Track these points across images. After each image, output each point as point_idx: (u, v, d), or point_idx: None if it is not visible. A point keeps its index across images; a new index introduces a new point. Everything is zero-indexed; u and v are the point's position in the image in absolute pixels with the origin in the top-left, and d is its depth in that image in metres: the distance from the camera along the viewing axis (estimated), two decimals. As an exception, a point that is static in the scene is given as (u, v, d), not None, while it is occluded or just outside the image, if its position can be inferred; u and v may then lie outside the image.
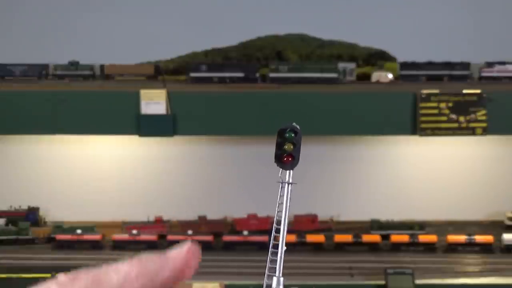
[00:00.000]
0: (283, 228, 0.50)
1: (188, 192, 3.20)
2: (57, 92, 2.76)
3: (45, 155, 3.20)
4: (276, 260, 0.49)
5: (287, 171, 0.50)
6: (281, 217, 0.50)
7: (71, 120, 2.75)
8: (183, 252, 0.49)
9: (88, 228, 2.92)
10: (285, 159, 0.50)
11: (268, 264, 0.49)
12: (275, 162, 0.49)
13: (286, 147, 0.49)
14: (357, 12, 3.18)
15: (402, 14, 3.18)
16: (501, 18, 3.18)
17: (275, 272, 0.49)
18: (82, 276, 0.46)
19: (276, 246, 0.49)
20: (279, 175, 0.50)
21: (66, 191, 3.19)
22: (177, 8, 3.21)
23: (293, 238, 2.86)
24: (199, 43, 3.17)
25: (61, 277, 0.45)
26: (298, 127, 0.49)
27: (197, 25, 3.18)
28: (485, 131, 2.71)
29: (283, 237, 0.50)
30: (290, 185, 0.50)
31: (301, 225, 2.98)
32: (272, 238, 0.49)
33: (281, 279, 0.49)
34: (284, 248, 0.50)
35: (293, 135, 0.49)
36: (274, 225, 0.50)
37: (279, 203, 0.50)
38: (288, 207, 0.50)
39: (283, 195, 0.49)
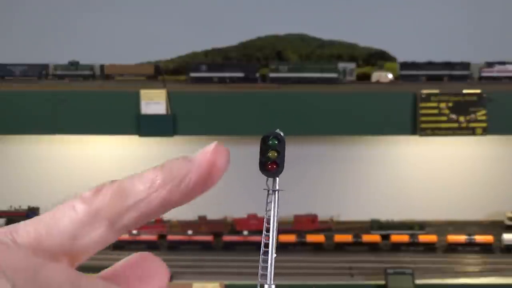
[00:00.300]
0: (272, 235, 0.50)
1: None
2: (57, 92, 2.76)
3: (45, 155, 3.20)
4: (267, 267, 0.49)
5: (273, 179, 0.49)
6: (269, 224, 0.49)
7: (71, 120, 2.75)
8: (209, 153, 0.48)
9: (88, 228, 2.92)
10: (269, 166, 0.49)
11: (260, 271, 0.49)
12: (259, 169, 0.49)
13: (270, 154, 0.48)
14: (357, 12, 3.18)
15: (402, 14, 3.18)
16: (501, 18, 3.17)
17: (266, 279, 0.49)
18: (106, 188, 0.45)
19: (266, 253, 0.49)
20: (266, 182, 0.50)
21: (66, 191, 3.17)
22: (177, 8, 3.21)
23: (293, 238, 2.86)
24: (199, 43, 3.17)
25: (85, 193, 0.45)
26: (282, 134, 0.48)
27: (197, 25, 3.18)
28: (485, 131, 2.71)
29: (273, 244, 0.49)
30: (277, 192, 0.49)
31: (301, 225, 2.98)
32: (262, 245, 0.49)
33: (273, 286, 0.48)
34: (275, 255, 0.49)
35: (276, 142, 0.48)
36: (264, 232, 0.50)
37: (267, 211, 0.49)
38: (276, 215, 0.49)
39: (271, 202, 0.49)
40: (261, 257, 0.48)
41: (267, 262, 0.49)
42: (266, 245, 0.49)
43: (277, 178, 0.49)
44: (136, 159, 3.22)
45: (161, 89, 2.74)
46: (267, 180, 0.49)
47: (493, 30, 3.15)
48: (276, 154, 0.48)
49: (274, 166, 0.49)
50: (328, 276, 2.66)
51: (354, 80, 3.03)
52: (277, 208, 0.49)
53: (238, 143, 3.14)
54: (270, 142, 0.48)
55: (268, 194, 0.49)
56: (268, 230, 0.48)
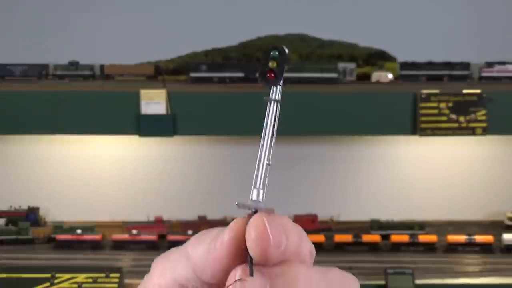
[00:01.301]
0: (266, 143, 0.52)
1: (188, 192, 3.20)
2: (57, 92, 2.76)
3: (45, 155, 3.20)
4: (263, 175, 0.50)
5: (272, 88, 0.51)
6: (266, 134, 0.52)
7: (71, 120, 2.75)
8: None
9: (88, 228, 2.92)
10: (268, 75, 0.50)
11: (254, 179, 0.51)
12: (258, 78, 0.50)
13: (270, 64, 0.50)
14: (357, 12, 3.18)
15: (402, 14, 3.18)
16: (501, 18, 3.17)
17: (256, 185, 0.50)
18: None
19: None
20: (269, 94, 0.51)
21: (66, 191, 3.19)
22: (177, 8, 3.21)
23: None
24: (199, 43, 3.17)
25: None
26: (286, 49, 0.50)
27: (197, 25, 3.18)
28: (485, 131, 2.71)
29: (265, 152, 0.52)
30: (275, 103, 0.51)
31: (301, 225, 2.95)
32: (259, 155, 0.52)
33: (261, 191, 0.50)
34: (269, 162, 0.51)
35: (277, 53, 0.50)
36: (261, 142, 0.51)
37: (266, 122, 0.52)
38: (271, 124, 0.52)
39: (268, 113, 0.51)
40: (256, 169, 0.51)
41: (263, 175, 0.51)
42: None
43: (277, 89, 0.50)
44: (136, 159, 3.22)
45: (161, 89, 2.74)
46: (268, 91, 0.51)
47: (493, 30, 3.15)
48: (275, 64, 0.50)
49: (273, 75, 0.50)
50: (328, 276, 2.66)
51: (354, 80, 3.02)
52: (276, 120, 0.51)
53: (238, 143, 3.15)
54: (272, 53, 0.50)
55: (268, 105, 0.51)
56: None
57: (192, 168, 3.23)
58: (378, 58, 3.17)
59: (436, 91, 2.73)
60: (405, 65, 2.99)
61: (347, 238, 2.90)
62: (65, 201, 3.16)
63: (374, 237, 2.92)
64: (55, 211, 3.15)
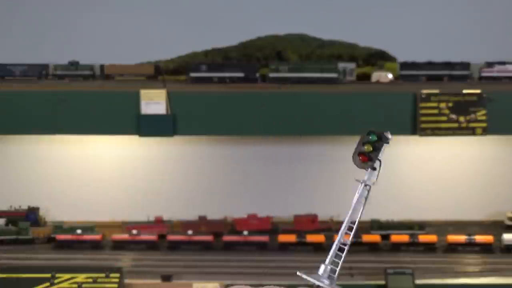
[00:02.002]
0: (347, 222, 0.54)
1: (188, 192, 3.20)
2: (57, 92, 2.76)
3: (45, 155, 3.20)
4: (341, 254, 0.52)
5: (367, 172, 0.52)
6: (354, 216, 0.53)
7: (71, 120, 2.75)
8: None
9: (88, 228, 2.92)
10: (360, 157, 0.52)
11: (331, 254, 0.53)
12: (352, 157, 0.52)
13: (365, 147, 0.51)
14: (357, 12, 3.18)
15: (402, 14, 3.18)
16: (501, 18, 3.17)
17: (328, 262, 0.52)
18: None
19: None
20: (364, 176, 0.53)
21: (66, 191, 3.19)
22: (177, 8, 3.21)
23: (293, 238, 2.86)
24: (199, 43, 3.17)
25: None
26: (388, 136, 0.51)
27: (197, 25, 3.18)
28: (485, 131, 2.71)
29: (343, 231, 0.54)
30: (366, 186, 0.53)
31: (301, 225, 2.98)
32: (341, 233, 0.54)
33: (328, 267, 0.53)
34: (344, 242, 0.54)
35: (375, 138, 0.51)
36: (346, 223, 0.53)
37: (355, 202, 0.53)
38: (356, 206, 0.53)
39: (358, 194, 0.52)
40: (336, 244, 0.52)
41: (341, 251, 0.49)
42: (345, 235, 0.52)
43: (369, 172, 0.52)
44: (136, 159, 3.22)
45: (161, 89, 2.74)
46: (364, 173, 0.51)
47: (493, 30, 3.15)
48: (371, 148, 0.51)
49: (366, 159, 0.51)
50: (328, 276, 2.66)
51: (354, 80, 3.02)
52: (363, 202, 0.52)
53: (238, 143, 3.15)
54: (371, 137, 0.51)
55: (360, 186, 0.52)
56: (353, 222, 0.51)
57: (192, 168, 3.23)
58: (378, 58, 3.17)
59: (436, 91, 2.73)
60: (405, 65, 2.99)
61: (347, 238, 2.90)
62: (65, 201, 3.16)
63: (374, 237, 2.92)
64: (55, 211, 3.15)
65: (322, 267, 0.48)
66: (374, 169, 0.49)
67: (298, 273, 0.48)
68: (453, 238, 2.90)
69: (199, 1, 3.22)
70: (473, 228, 3.08)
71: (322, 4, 3.18)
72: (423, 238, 2.91)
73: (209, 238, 2.92)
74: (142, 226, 2.98)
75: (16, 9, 3.22)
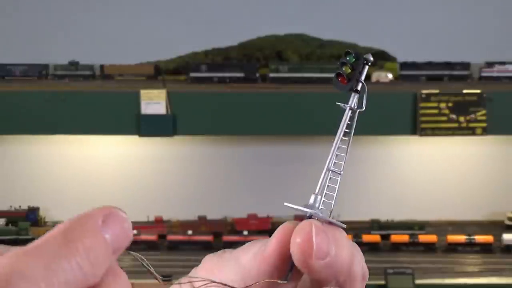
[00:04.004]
0: (334, 149, 0.51)
1: (188, 192, 3.20)
2: (57, 92, 2.76)
3: (45, 155, 3.20)
4: (336, 180, 0.50)
5: (352, 95, 0.50)
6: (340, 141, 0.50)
7: (71, 120, 2.75)
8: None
9: (88, 228, 2.91)
10: (339, 79, 0.50)
11: (322, 183, 0.50)
12: (332, 81, 0.50)
13: (344, 68, 0.49)
14: (357, 12, 3.18)
15: (402, 14, 3.18)
16: (501, 18, 3.17)
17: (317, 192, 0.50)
18: None
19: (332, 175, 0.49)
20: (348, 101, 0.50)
21: (66, 191, 3.19)
22: (177, 8, 3.21)
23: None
24: (199, 43, 3.17)
25: None
26: (370, 58, 0.49)
27: (197, 25, 3.18)
28: (485, 131, 2.71)
29: (332, 158, 0.52)
30: (349, 109, 0.51)
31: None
32: (331, 159, 0.51)
33: (319, 197, 0.50)
34: (335, 170, 0.51)
35: (353, 59, 0.49)
36: (333, 150, 0.51)
37: (342, 129, 0.51)
38: (345, 132, 0.51)
39: (344, 120, 0.50)
40: (326, 172, 0.50)
41: (335, 176, 0.49)
42: (335, 165, 0.50)
43: (352, 96, 0.50)
44: (136, 159, 3.22)
45: (161, 89, 2.74)
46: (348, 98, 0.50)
47: (493, 30, 3.15)
48: (349, 70, 0.49)
49: (345, 81, 0.49)
50: (328, 276, 2.66)
51: (354, 80, 3.01)
52: (349, 127, 0.50)
53: (238, 143, 3.15)
54: (348, 58, 0.49)
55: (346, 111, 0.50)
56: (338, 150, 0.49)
57: (192, 168, 3.23)
58: (378, 58, 3.17)
59: (436, 91, 2.73)
60: (405, 65, 2.99)
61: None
62: (65, 201, 3.16)
63: (374, 237, 2.92)
64: (55, 211, 3.15)
65: (312, 197, 0.46)
66: (357, 91, 0.47)
67: (285, 203, 0.46)
68: (453, 238, 2.90)
69: (199, 1, 3.22)
70: (473, 228, 3.08)
71: (322, 4, 3.18)
72: (423, 238, 2.92)
73: (209, 238, 2.92)
74: (142, 226, 2.98)
75: (16, 9, 3.22)
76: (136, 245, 2.91)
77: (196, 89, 2.83)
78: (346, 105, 0.50)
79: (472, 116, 2.72)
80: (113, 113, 2.74)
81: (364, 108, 0.50)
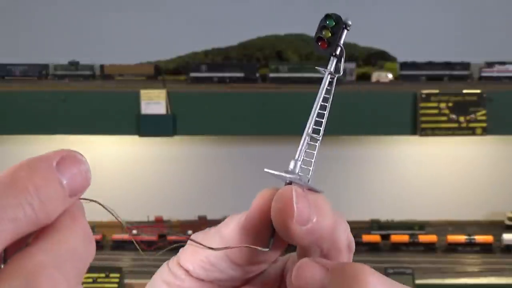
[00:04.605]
0: (313, 113, 0.51)
1: (188, 192, 3.20)
2: (57, 92, 2.76)
3: (45, 155, 3.19)
4: (314, 146, 0.49)
5: (332, 60, 0.50)
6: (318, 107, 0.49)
7: (71, 120, 2.75)
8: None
9: (88, 228, 2.91)
10: (319, 43, 0.50)
11: (302, 149, 0.49)
12: (314, 45, 0.50)
13: (324, 32, 0.49)
14: (357, 12, 3.17)
15: (402, 14, 3.18)
16: (501, 18, 3.17)
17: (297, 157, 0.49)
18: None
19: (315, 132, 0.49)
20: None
21: (66, 191, 3.18)
22: (177, 8, 3.21)
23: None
24: (199, 43, 3.17)
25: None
26: (348, 22, 0.49)
27: (197, 25, 3.18)
28: (485, 131, 2.71)
29: (311, 123, 0.51)
30: (328, 74, 0.50)
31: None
32: (310, 124, 0.50)
33: (299, 163, 0.49)
34: (314, 136, 0.50)
35: (333, 23, 0.49)
36: (312, 116, 0.51)
37: (321, 93, 0.50)
38: (324, 98, 0.50)
39: (323, 85, 0.50)
40: (305, 136, 0.49)
41: (313, 143, 0.48)
42: (314, 131, 0.50)
43: (331, 60, 0.49)
44: (136, 159, 3.22)
45: (161, 89, 2.74)
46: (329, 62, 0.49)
47: (493, 30, 3.15)
48: (329, 34, 0.49)
49: (325, 45, 0.49)
50: (328, 276, 2.66)
51: (354, 80, 3.02)
52: (328, 93, 0.49)
53: (238, 143, 3.15)
54: (328, 22, 0.49)
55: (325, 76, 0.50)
56: (318, 115, 0.49)
57: (192, 168, 3.23)
58: (378, 58, 3.17)
59: (436, 91, 2.73)
60: (405, 65, 2.99)
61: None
62: (65, 201, 3.16)
63: (374, 237, 2.92)
64: (55, 211, 3.15)
65: (292, 162, 0.45)
66: (336, 56, 0.47)
67: (265, 169, 0.46)
68: (453, 238, 2.90)
69: (199, 1, 3.22)
70: (473, 228, 3.09)
71: (322, 4, 3.18)
72: (423, 238, 2.92)
73: (209, 238, 2.92)
74: (142, 226, 2.98)
75: (16, 9, 3.22)
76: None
77: (196, 89, 2.83)
78: (325, 69, 0.50)
79: (472, 116, 2.72)
80: (113, 113, 2.74)
81: (342, 73, 0.50)
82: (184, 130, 2.76)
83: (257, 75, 2.92)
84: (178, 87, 2.87)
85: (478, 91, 2.74)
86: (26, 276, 0.34)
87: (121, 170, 3.22)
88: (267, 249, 0.46)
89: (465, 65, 2.97)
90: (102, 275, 2.57)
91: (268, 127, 2.73)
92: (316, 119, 0.49)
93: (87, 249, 0.38)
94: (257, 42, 3.21)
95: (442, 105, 2.72)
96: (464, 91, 2.75)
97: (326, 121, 0.49)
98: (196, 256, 0.49)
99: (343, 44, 0.50)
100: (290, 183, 0.48)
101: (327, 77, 0.49)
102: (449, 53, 3.01)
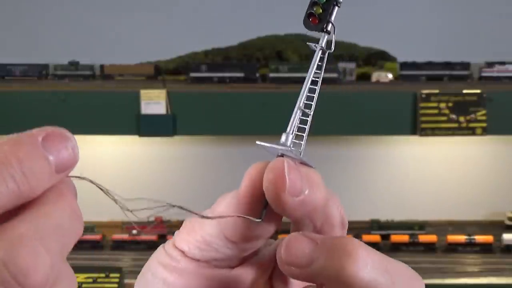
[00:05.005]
0: (305, 87, 0.50)
1: (188, 192, 3.20)
2: (57, 92, 2.76)
3: (45, 155, 3.19)
4: (306, 121, 0.50)
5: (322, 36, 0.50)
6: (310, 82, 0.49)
7: (71, 120, 2.75)
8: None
9: (88, 228, 2.92)
10: (310, 19, 0.50)
11: (293, 123, 0.50)
12: (303, 22, 0.50)
13: (315, 8, 0.50)
14: (357, 12, 3.17)
15: (402, 14, 3.18)
16: (501, 18, 3.17)
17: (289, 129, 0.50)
18: None
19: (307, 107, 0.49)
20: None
21: (66, 191, 3.18)
22: (177, 8, 3.21)
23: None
24: (199, 43, 3.17)
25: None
26: None
27: (197, 25, 3.18)
28: (485, 131, 2.71)
29: (302, 96, 0.50)
30: (319, 49, 0.50)
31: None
32: (301, 98, 0.50)
33: (290, 136, 0.50)
34: (305, 109, 0.50)
35: (324, 0, 0.49)
36: (304, 90, 0.50)
37: (312, 70, 0.50)
38: (315, 72, 0.50)
39: (315, 59, 0.50)
40: (297, 109, 0.49)
41: (306, 117, 0.49)
42: (306, 106, 0.49)
43: (323, 36, 0.50)
44: (136, 159, 3.22)
45: (161, 89, 2.74)
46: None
47: (493, 30, 3.15)
48: (320, 10, 0.49)
49: (316, 21, 0.49)
50: (328, 276, 2.66)
51: (354, 80, 3.02)
52: (319, 68, 0.49)
53: (238, 143, 3.15)
54: None
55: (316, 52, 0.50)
56: (309, 91, 0.49)
57: (192, 168, 3.23)
58: (378, 58, 3.17)
59: (436, 91, 2.73)
60: (405, 65, 2.99)
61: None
62: (65, 201, 3.16)
63: (374, 237, 2.92)
64: (55, 211, 3.15)
65: (284, 135, 0.46)
66: (328, 32, 0.47)
67: (257, 142, 0.46)
68: (453, 238, 2.90)
69: (199, 1, 3.22)
70: (473, 228, 3.09)
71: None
72: (423, 238, 2.92)
73: (209, 238, 2.92)
74: (142, 226, 2.98)
75: (16, 9, 3.22)
76: (136, 245, 2.91)
77: (196, 89, 2.83)
78: (316, 45, 0.51)
79: (472, 116, 2.72)
80: (113, 113, 2.74)
81: (333, 50, 0.50)
82: (184, 130, 2.76)
83: (257, 75, 2.92)
84: (178, 87, 2.87)
85: (478, 91, 2.74)
86: (6, 246, 0.33)
87: (121, 170, 3.22)
88: (259, 220, 0.47)
89: (465, 65, 2.97)
90: (102, 275, 2.57)
91: (268, 127, 2.73)
92: (308, 94, 0.49)
93: (73, 225, 0.37)
94: (257, 42, 3.21)
95: (442, 105, 2.72)
96: (464, 91, 2.75)
97: (317, 96, 0.49)
98: (192, 236, 0.50)
99: (334, 21, 0.50)
100: (282, 155, 0.48)
101: (318, 52, 0.50)
102: (449, 53, 3.01)
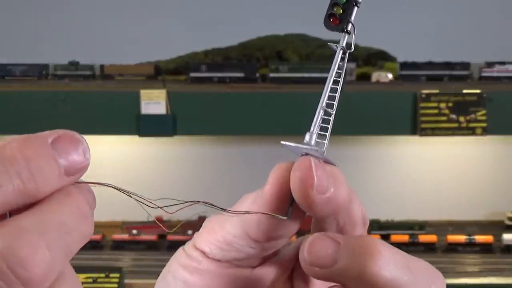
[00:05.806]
0: (327, 87, 0.51)
1: (188, 192, 3.20)
2: (57, 92, 2.76)
3: (45, 155, 3.19)
4: (329, 120, 0.50)
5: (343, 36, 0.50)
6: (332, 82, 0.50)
7: (71, 120, 2.75)
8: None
9: (88, 228, 2.92)
10: (330, 20, 0.51)
11: (317, 122, 0.50)
12: (324, 22, 0.50)
13: (335, 9, 0.50)
14: (356, 12, 3.17)
15: (402, 14, 3.18)
16: (501, 18, 3.18)
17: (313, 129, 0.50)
18: None
19: (329, 106, 0.50)
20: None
21: (66, 191, 3.18)
22: (177, 8, 3.21)
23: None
24: (199, 43, 3.17)
25: None
26: None
27: (197, 25, 3.18)
28: (485, 131, 2.71)
29: (325, 96, 0.51)
30: (340, 49, 0.51)
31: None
32: (324, 98, 0.51)
33: (314, 135, 0.51)
34: (328, 108, 0.50)
35: (344, 0, 0.50)
36: (326, 90, 0.51)
37: (334, 69, 0.50)
38: (336, 72, 0.50)
39: (336, 59, 0.50)
40: (320, 110, 0.50)
41: (328, 116, 0.49)
42: (328, 105, 0.50)
43: (344, 36, 0.50)
44: (136, 159, 3.22)
45: (161, 89, 2.74)
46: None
47: (493, 30, 3.15)
48: (340, 10, 0.50)
49: (337, 21, 0.50)
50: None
51: (354, 80, 3.02)
52: (341, 68, 0.50)
53: (238, 143, 3.15)
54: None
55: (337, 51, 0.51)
56: (331, 90, 0.49)
57: (192, 168, 3.23)
58: (378, 58, 3.17)
59: (436, 91, 2.73)
60: (405, 65, 2.99)
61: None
62: (65, 201, 3.16)
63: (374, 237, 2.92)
64: (55, 211, 3.15)
65: (307, 135, 0.46)
66: (348, 32, 0.47)
67: (282, 142, 0.46)
68: (453, 238, 2.90)
69: (199, 1, 3.22)
70: (473, 228, 3.09)
71: (322, 4, 3.17)
72: (423, 238, 2.92)
73: (209, 238, 2.92)
74: (142, 226, 2.98)
75: (16, 9, 3.22)
76: (136, 245, 2.91)
77: (196, 89, 2.83)
78: (337, 45, 0.51)
79: (472, 116, 2.72)
80: (113, 113, 2.74)
81: (353, 49, 0.51)
82: (184, 130, 2.76)
83: (257, 75, 2.92)
84: (178, 87, 2.87)
85: (478, 91, 2.74)
86: (6, 239, 0.33)
87: (121, 170, 3.22)
88: (285, 217, 0.47)
89: (465, 65, 2.97)
90: (102, 275, 2.57)
91: (268, 127, 2.73)
92: (329, 94, 0.49)
93: (79, 225, 0.37)
94: (257, 42, 3.21)
95: (442, 105, 2.72)
96: (464, 91, 2.75)
97: (339, 95, 0.49)
98: (213, 236, 0.50)
99: (353, 24, 0.51)
100: (306, 154, 0.49)
101: (339, 52, 0.50)
102: (449, 53, 3.01)
